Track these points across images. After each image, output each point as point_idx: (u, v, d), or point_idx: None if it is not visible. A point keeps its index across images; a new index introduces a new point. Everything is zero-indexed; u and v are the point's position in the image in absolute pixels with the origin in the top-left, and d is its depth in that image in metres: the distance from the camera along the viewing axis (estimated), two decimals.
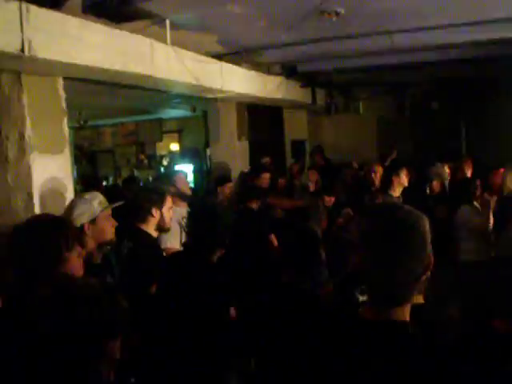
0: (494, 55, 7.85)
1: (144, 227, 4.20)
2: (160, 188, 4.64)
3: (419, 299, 2.54)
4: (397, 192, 6.76)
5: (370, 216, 1.90)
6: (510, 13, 5.76)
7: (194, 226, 3.78)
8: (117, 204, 3.85)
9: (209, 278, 3.46)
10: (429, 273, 1.81)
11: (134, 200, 4.40)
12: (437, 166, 8.24)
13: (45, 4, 3.34)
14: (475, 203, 6.34)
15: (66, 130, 5.08)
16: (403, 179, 6.77)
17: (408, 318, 1.82)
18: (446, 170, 8.26)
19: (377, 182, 7.58)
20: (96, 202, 3.58)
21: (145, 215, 4.20)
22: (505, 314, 2.59)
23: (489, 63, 8.84)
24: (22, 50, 3.71)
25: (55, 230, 2.67)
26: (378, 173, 7.64)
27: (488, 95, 11.62)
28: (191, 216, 3.90)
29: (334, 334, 1.94)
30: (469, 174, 8.11)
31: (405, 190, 6.86)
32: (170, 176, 6.03)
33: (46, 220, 2.89)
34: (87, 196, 3.65)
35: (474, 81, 10.85)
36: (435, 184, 7.38)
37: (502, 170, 6.83)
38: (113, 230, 3.64)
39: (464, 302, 3.45)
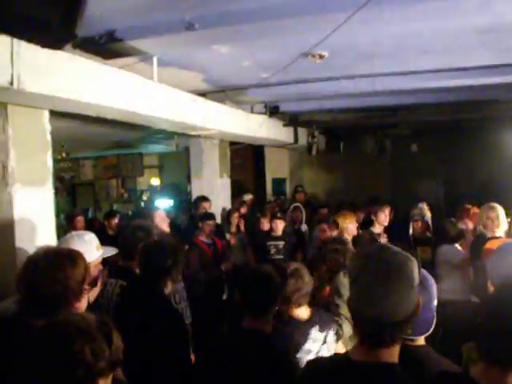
0: (470, 100, 8.06)
1: (134, 266, 4.18)
2: (147, 226, 4.63)
3: (421, 341, 2.57)
4: (377, 229, 6.88)
5: (359, 257, 1.94)
6: (486, 61, 5.95)
7: (145, 258, 3.80)
8: (112, 253, 3.85)
9: (160, 308, 3.52)
10: (416, 314, 1.86)
11: (125, 239, 4.40)
12: (419, 207, 8.34)
13: (45, 45, 3.35)
14: (456, 244, 6.44)
15: (50, 162, 5.08)
16: (381, 218, 6.88)
17: (397, 360, 1.85)
18: (427, 209, 8.37)
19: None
20: (94, 246, 3.54)
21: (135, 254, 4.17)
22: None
23: (465, 107, 9.06)
24: (11, 83, 3.74)
25: (73, 266, 2.60)
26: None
27: (464, 138, 11.89)
28: (144, 250, 3.87)
29: (320, 375, 1.97)
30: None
31: (388, 230, 6.97)
32: (149, 212, 6.02)
33: (64, 253, 2.75)
34: (86, 237, 3.60)
35: (451, 124, 11.08)
36: (418, 224, 7.46)
37: (475, 211, 6.97)
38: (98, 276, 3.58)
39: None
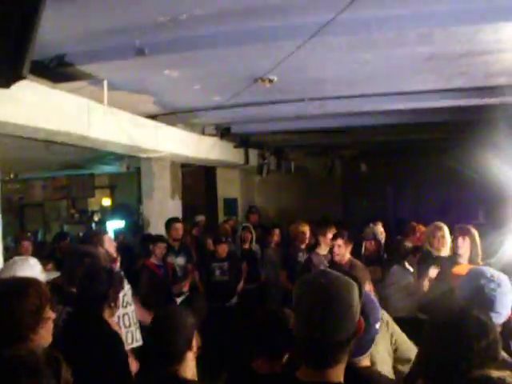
0: (417, 122, 8.32)
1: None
2: (94, 252, 4.58)
3: (366, 362, 2.62)
4: (323, 250, 6.98)
5: (301, 283, 2.01)
6: (427, 86, 6.19)
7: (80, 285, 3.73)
8: (55, 276, 3.82)
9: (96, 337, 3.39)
10: (357, 336, 1.93)
11: (72, 265, 4.35)
12: (370, 226, 8.49)
13: None
14: (405, 263, 6.59)
15: None
16: (329, 239, 6.96)
17: (341, 379, 1.92)
18: (381, 229, 8.53)
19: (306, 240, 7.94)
20: (38, 270, 3.53)
21: None
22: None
23: (413, 129, 9.33)
24: None
25: (36, 292, 2.52)
26: (306, 232, 7.99)
27: (413, 158, 12.21)
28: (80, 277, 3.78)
29: None
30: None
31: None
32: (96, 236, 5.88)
33: (23, 281, 2.67)
34: (31, 261, 3.59)
35: (399, 144, 11.37)
36: (371, 243, 7.57)
37: (422, 231, 7.15)
38: None
39: None
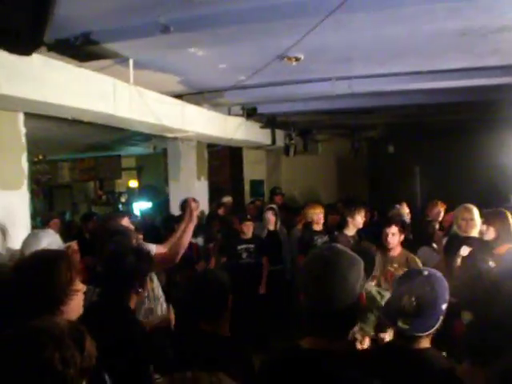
0: (445, 102, 8.17)
1: None
2: (124, 229, 4.58)
3: (425, 343, 2.57)
4: (350, 231, 6.88)
5: (309, 257, 2.16)
6: (458, 64, 6.05)
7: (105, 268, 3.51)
8: (70, 244, 3.83)
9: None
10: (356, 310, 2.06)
11: (102, 243, 4.34)
12: (396, 208, 8.42)
13: (14, 51, 3.34)
14: (433, 244, 6.50)
15: (26, 165, 5.07)
16: (358, 220, 6.88)
17: (345, 350, 2.04)
18: (406, 210, 8.45)
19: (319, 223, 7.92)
20: (57, 238, 3.56)
21: None
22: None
23: (440, 109, 9.18)
24: None
25: (66, 264, 2.51)
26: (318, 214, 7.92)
27: (440, 139, 12.04)
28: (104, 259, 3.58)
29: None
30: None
31: (363, 232, 7.00)
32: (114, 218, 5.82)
33: (52, 254, 2.67)
34: (50, 230, 3.63)
35: (427, 125, 11.21)
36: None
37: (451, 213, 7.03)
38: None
39: None
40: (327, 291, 1.98)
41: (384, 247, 5.71)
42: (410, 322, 2.44)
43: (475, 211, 5.69)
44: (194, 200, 7.89)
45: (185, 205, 7.81)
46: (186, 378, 1.39)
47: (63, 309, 2.45)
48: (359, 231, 6.92)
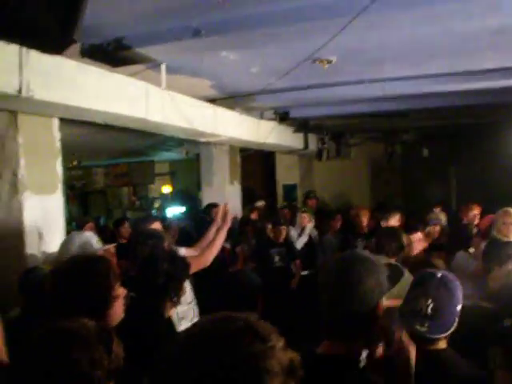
0: (480, 103, 8.02)
1: None
2: (158, 234, 4.59)
3: (442, 344, 2.56)
4: None
5: (329, 263, 2.21)
6: (496, 64, 5.92)
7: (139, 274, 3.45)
8: (108, 246, 3.84)
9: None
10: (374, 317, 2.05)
11: (136, 247, 4.36)
12: (435, 212, 8.33)
13: (47, 51, 3.38)
14: (471, 248, 6.37)
15: (60, 170, 5.12)
16: (392, 225, 6.80)
17: (358, 357, 2.01)
18: (443, 214, 8.36)
19: (364, 226, 7.76)
20: (95, 240, 3.58)
21: None
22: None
23: (475, 110, 9.02)
24: (20, 91, 3.77)
25: (106, 270, 2.50)
26: (363, 217, 7.81)
27: (476, 141, 11.85)
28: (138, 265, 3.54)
29: None
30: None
31: None
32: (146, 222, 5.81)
33: (93, 259, 2.69)
34: (87, 233, 3.65)
35: (462, 127, 11.04)
36: (433, 229, 7.38)
37: (490, 215, 6.89)
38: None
39: None
40: (340, 294, 2.03)
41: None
42: (427, 325, 2.45)
43: None
44: (216, 205, 7.93)
45: (209, 209, 7.86)
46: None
47: (105, 313, 2.44)
48: None
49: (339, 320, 2.04)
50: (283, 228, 7.76)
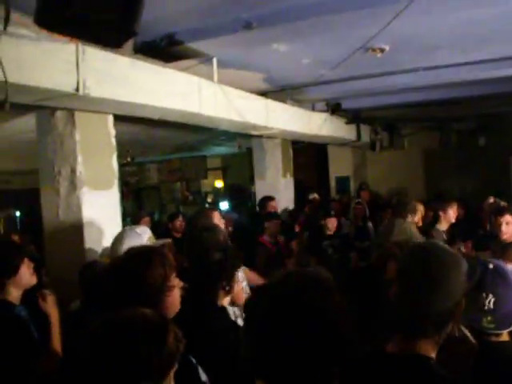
0: None
1: None
2: (213, 226, 4.60)
3: (505, 336, 2.50)
4: (443, 226, 6.71)
5: (405, 252, 2.09)
6: None
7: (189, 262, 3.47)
8: (165, 241, 3.88)
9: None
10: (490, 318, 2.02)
11: (190, 240, 4.41)
12: (493, 200, 8.12)
13: (107, 45, 3.43)
14: None
15: (116, 166, 5.21)
16: (450, 215, 6.70)
17: (431, 354, 1.87)
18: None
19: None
20: (146, 237, 3.62)
21: None
22: None
23: None
24: (77, 89, 3.84)
25: (161, 261, 2.52)
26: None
27: None
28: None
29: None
30: None
31: (461, 226, 6.81)
32: (207, 212, 5.90)
33: (148, 250, 2.69)
34: (138, 230, 3.70)
35: None
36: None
37: None
38: None
39: None
40: (424, 289, 1.85)
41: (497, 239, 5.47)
42: (493, 320, 2.35)
43: None
44: (272, 198, 7.92)
45: (263, 202, 7.87)
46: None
47: (161, 304, 2.45)
48: (453, 226, 6.76)
49: (419, 317, 1.86)
50: (334, 219, 7.70)
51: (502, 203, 7.68)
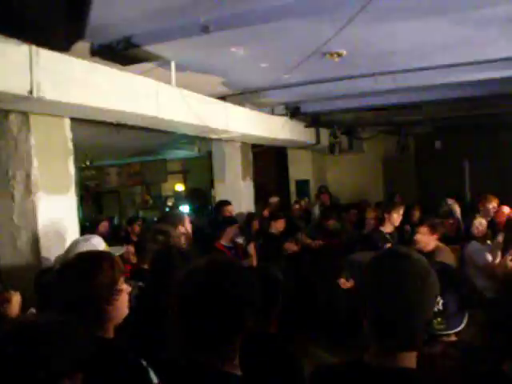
0: (494, 93, 7.94)
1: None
2: (166, 230, 4.62)
3: (453, 336, 2.55)
4: (387, 228, 6.80)
5: (372, 261, 1.93)
6: (506, 52, 5.85)
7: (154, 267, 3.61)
8: (120, 252, 3.86)
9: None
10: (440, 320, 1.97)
11: (144, 242, 4.42)
12: (448, 203, 8.29)
13: (54, 48, 3.39)
14: (488, 241, 6.35)
15: (72, 169, 5.13)
16: (394, 218, 6.80)
17: (414, 365, 1.81)
18: (457, 205, 8.31)
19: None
20: (100, 248, 3.58)
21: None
22: None
23: (489, 101, 8.94)
24: (31, 91, 3.78)
25: (110, 265, 2.51)
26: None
27: (489, 133, 11.75)
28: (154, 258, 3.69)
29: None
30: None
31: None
32: (179, 216, 5.95)
33: (97, 255, 2.71)
34: (93, 241, 3.66)
35: (476, 118, 10.94)
36: (447, 222, 7.34)
37: (505, 209, 6.84)
38: None
39: None
40: (403, 302, 1.77)
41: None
42: (443, 321, 2.39)
43: None
44: (228, 202, 7.93)
45: (219, 207, 7.89)
46: None
47: (109, 309, 2.45)
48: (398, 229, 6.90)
49: (397, 329, 1.78)
50: (281, 221, 7.90)
51: (453, 206, 7.88)
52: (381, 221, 7.05)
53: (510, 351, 1.96)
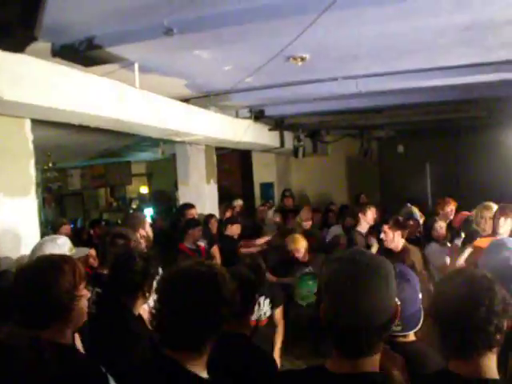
0: (453, 99, 8.10)
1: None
2: (126, 234, 4.58)
3: (412, 336, 2.63)
4: (363, 228, 6.92)
5: (332, 261, 1.83)
6: (469, 59, 5.97)
7: (113, 270, 3.55)
8: (85, 253, 3.83)
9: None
10: (397, 321, 1.82)
11: (103, 246, 4.38)
12: (408, 206, 8.43)
13: (6, 49, 3.35)
14: (448, 244, 6.49)
15: (33, 171, 5.05)
16: (369, 217, 6.92)
17: (377, 369, 1.77)
18: (416, 209, 8.44)
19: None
20: (66, 248, 3.55)
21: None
22: None
23: (449, 106, 9.12)
24: None
25: (71, 269, 2.47)
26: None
27: (449, 137, 11.97)
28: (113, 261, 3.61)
29: None
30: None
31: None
32: (139, 218, 5.90)
33: (58, 258, 2.62)
34: (59, 241, 3.62)
35: (437, 123, 11.14)
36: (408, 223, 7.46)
37: (463, 212, 6.96)
38: None
39: None
40: (371, 303, 1.71)
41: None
42: (399, 323, 2.45)
43: (494, 210, 5.60)
44: (192, 205, 7.94)
45: (182, 210, 7.89)
46: None
47: (68, 315, 2.43)
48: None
49: (359, 334, 1.71)
50: (237, 226, 8.11)
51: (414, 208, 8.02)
52: (357, 221, 7.18)
53: (453, 349, 1.99)
